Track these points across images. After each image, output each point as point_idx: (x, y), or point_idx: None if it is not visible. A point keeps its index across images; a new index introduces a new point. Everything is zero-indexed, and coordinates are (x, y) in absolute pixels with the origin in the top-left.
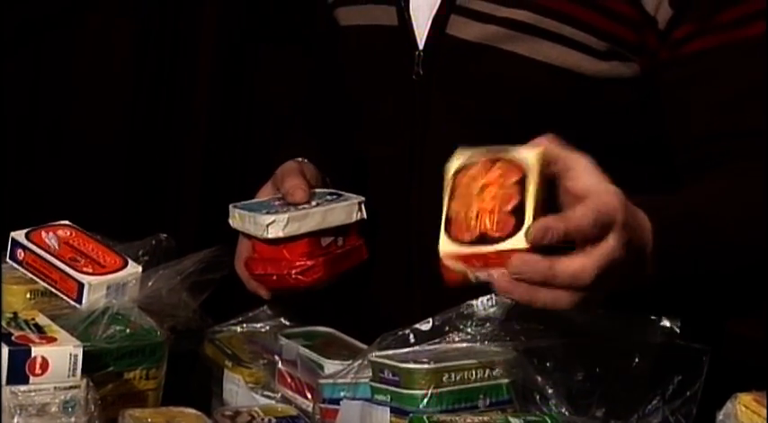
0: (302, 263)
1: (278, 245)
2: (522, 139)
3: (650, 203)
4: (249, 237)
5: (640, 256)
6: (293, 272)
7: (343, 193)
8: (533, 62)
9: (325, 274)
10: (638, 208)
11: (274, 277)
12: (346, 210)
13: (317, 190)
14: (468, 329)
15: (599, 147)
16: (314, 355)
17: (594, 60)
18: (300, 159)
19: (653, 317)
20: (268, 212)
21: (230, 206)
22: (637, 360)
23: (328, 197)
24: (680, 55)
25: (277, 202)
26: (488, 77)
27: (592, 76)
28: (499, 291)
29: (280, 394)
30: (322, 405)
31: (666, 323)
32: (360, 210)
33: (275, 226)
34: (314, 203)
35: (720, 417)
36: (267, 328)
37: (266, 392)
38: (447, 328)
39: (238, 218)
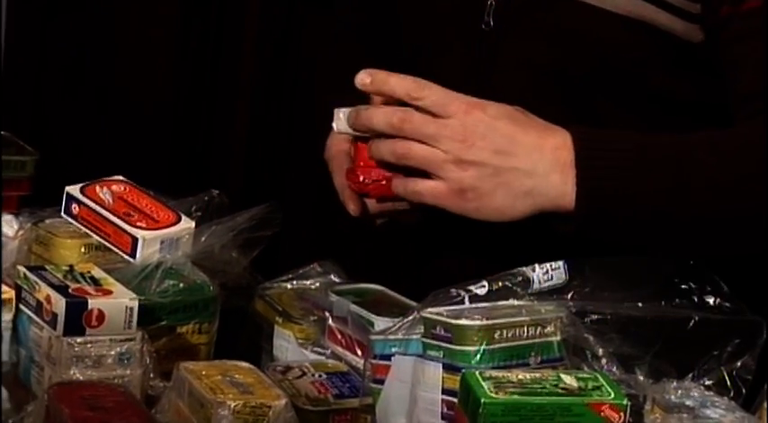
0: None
1: None
2: (588, 93)
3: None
4: (356, 140)
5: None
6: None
7: None
8: (608, 14)
9: None
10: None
11: (384, 182)
12: None
13: None
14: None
15: (664, 104)
16: (364, 312)
17: (669, 15)
18: None
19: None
20: None
21: (335, 110)
22: (692, 324)
23: None
24: (740, 11)
25: None
26: (561, 30)
27: (665, 32)
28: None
29: (330, 350)
30: (373, 361)
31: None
32: None
33: None
34: None
35: None
36: (317, 284)
37: (316, 349)
38: (502, 294)
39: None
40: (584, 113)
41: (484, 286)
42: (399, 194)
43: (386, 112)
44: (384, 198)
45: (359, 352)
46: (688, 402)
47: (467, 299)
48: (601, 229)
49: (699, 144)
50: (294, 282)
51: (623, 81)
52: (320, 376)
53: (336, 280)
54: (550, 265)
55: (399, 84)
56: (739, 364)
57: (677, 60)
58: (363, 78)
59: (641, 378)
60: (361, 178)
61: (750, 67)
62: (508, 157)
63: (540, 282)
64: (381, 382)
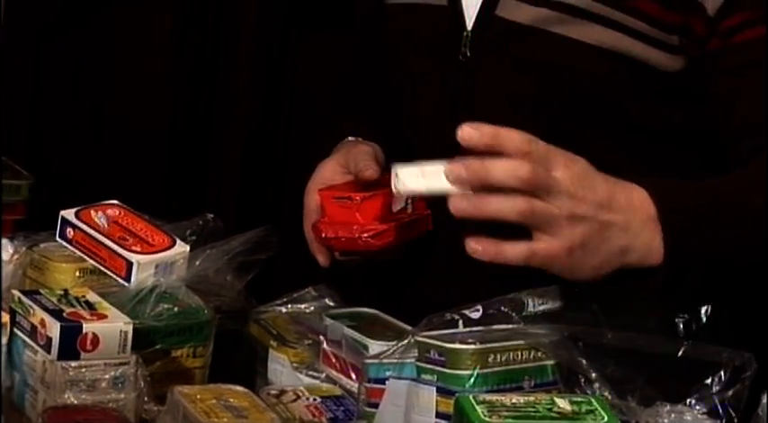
0: (374, 227)
1: (351, 208)
2: (567, 123)
3: (651, 181)
4: (323, 198)
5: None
6: (364, 235)
7: None
8: (584, 46)
9: (395, 240)
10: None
11: (344, 240)
12: None
13: None
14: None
15: (644, 133)
16: (358, 336)
17: (645, 46)
18: (354, 139)
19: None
20: None
21: (394, 169)
22: (684, 349)
23: None
24: (732, 44)
25: None
26: (537, 61)
27: (642, 62)
28: (455, 211)
29: (324, 374)
30: (367, 385)
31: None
32: None
33: None
34: None
35: (765, 399)
36: (312, 308)
37: (311, 372)
38: (496, 318)
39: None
40: (564, 144)
41: (478, 310)
42: (499, 261)
43: (511, 166)
44: (345, 252)
45: (353, 375)
46: None
47: (461, 323)
48: (685, 282)
49: (749, 185)
50: (289, 305)
51: (602, 111)
52: (315, 400)
53: (331, 304)
54: (544, 290)
55: (510, 137)
56: (731, 393)
57: (656, 90)
58: (470, 132)
59: (633, 404)
60: (323, 234)
61: (749, 100)
62: (609, 212)
63: (534, 306)
64: (376, 405)
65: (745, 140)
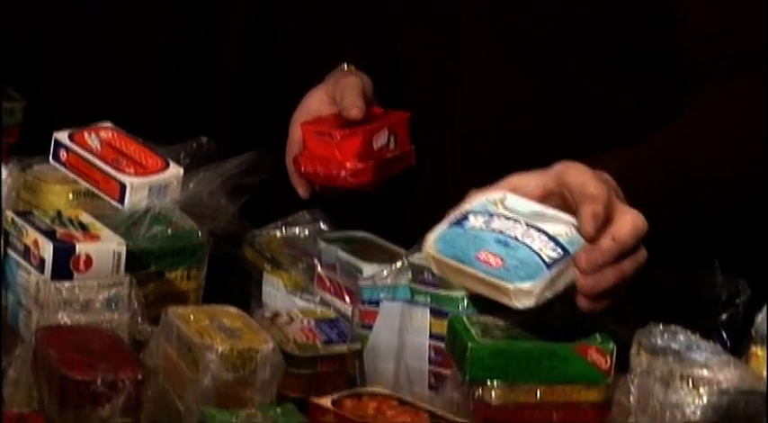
0: (353, 164)
1: (330, 144)
2: (558, 55)
3: (615, 164)
4: (304, 132)
5: None
6: (342, 172)
7: None
8: None
9: (374, 178)
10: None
11: (322, 175)
12: None
13: None
14: None
15: (632, 57)
16: (353, 259)
17: None
18: (348, 66)
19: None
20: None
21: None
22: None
23: None
24: None
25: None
26: None
27: None
28: (586, 294)
29: (318, 297)
30: (361, 307)
31: None
32: None
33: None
34: None
35: (759, 319)
36: (306, 232)
37: (305, 295)
38: None
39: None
40: (552, 76)
41: None
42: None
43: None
44: (325, 186)
45: (347, 298)
46: (674, 346)
47: None
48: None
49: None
50: (283, 229)
51: (591, 39)
52: (309, 322)
53: (325, 227)
54: None
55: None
56: (725, 316)
57: (645, 16)
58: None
59: (627, 325)
60: (303, 169)
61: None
62: None
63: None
64: (369, 327)
65: (701, 46)
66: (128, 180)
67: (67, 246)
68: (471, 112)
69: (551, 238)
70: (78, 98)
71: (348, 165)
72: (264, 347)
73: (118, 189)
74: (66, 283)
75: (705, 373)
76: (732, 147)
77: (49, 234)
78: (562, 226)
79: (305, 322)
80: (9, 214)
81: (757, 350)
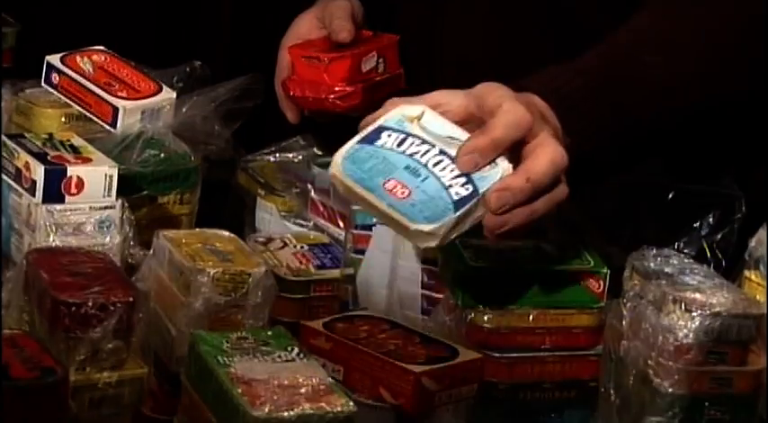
0: (341, 88)
1: (319, 68)
2: None
3: (546, 83)
4: (293, 56)
5: None
6: (331, 96)
7: None
8: None
9: (362, 102)
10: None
11: (311, 99)
12: None
13: None
14: None
15: None
16: None
17: None
18: None
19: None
20: None
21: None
22: (672, 195)
23: None
24: None
25: None
26: None
27: None
28: (491, 232)
29: (312, 223)
30: (354, 231)
31: None
32: None
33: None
34: None
35: (753, 243)
36: (300, 157)
37: (298, 221)
38: None
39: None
40: (546, 9)
41: None
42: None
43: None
44: (313, 111)
45: (341, 223)
46: (667, 269)
47: None
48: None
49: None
50: (277, 154)
51: None
52: (302, 248)
53: (319, 152)
54: None
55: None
56: (719, 236)
57: None
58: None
59: (620, 248)
60: (291, 93)
61: None
62: None
63: None
64: (362, 252)
65: None
66: (120, 103)
67: (59, 168)
68: (462, 39)
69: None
70: (71, 22)
71: (336, 88)
72: (256, 271)
73: (110, 113)
74: (58, 206)
75: (698, 296)
76: (681, 53)
77: (41, 156)
78: None
79: (298, 247)
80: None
81: (751, 274)
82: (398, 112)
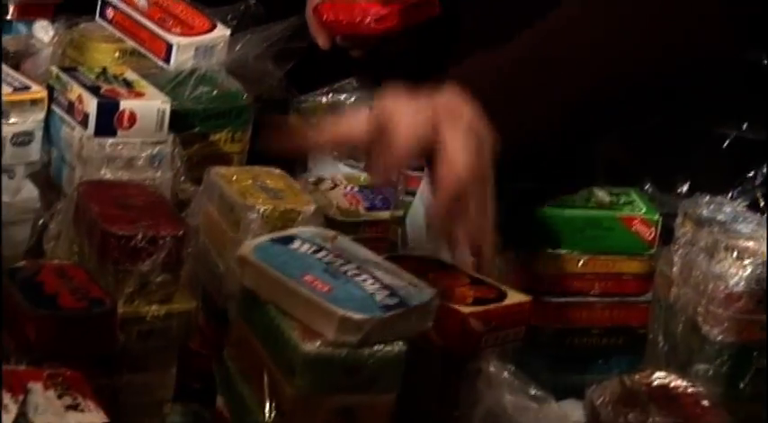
0: (377, 10)
1: None
2: None
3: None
4: None
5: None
6: (367, 18)
7: None
8: None
9: (398, 24)
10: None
11: (345, 23)
12: None
13: None
14: None
15: None
16: None
17: None
18: None
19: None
20: None
21: None
22: (728, 143)
23: None
24: None
25: None
26: None
27: None
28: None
29: (363, 164)
30: (405, 173)
31: None
32: None
33: None
34: None
35: None
36: (352, 99)
37: (350, 162)
38: None
39: None
40: None
41: None
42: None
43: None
44: (346, 37)
45: None
46: (719, 217)
47: None
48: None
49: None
50: (330, 95)
51: None
52: (352, 188)
53: (371, 94)
54: None
55: None
56: None
57: None
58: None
59: (674, 195)
60: (324, 17)
61: None
62: None
63: None
64: (413, 194)
65: None
66: (174, 40)
67: (112, 102)
68: None
69: (386, 286)
70: None
71: (372, 10)
72: (306, 209)
73: (164, 48)
74: (110, 140)
75: (750, 244)
76: (615, 28)
77: (94, 89)
78: (400, 281)
79: (348, 188)
80: (54, 69)
81: None
82: (313, 230)
